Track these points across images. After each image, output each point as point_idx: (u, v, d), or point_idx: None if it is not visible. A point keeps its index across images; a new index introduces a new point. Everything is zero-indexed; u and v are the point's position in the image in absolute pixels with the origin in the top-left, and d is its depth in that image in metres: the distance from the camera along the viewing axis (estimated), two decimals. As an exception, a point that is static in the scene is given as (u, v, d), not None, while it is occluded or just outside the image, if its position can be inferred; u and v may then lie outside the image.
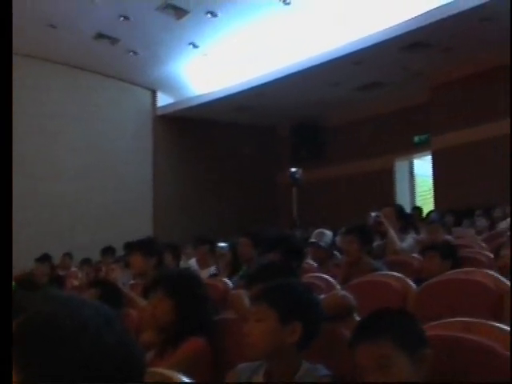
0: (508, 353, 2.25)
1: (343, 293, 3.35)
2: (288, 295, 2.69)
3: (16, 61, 14.59)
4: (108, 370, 1.21)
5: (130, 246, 8.09)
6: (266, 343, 2.57)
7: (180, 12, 13.38)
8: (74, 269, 11.04)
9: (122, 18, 13.60)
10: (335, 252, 7.00)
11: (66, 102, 15.52)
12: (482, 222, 10.31)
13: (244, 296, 3.54)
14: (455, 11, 11.42)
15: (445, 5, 11.54)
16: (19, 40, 11.86)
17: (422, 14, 11.86)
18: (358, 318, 3.03)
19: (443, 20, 11.61)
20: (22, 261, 12.30)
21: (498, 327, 2.47)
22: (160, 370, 1.45)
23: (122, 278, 5.71)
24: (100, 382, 1.20)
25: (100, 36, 14.46)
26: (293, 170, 8.08)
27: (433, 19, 11.73)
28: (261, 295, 2.73)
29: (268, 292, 2.71)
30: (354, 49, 13.03)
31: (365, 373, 2.19)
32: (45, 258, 12.17)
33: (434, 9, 11.67)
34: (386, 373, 2.14)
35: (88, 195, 15.69)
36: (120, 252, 11.16)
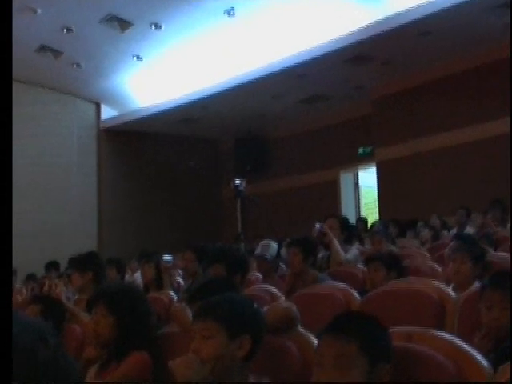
0: (450, 361, 2.26)
1: (286, 304, 3.35)
2: (234, 309, 2.66)
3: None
4: None
5: (73, 262, 8.02)
6: (216, 360, 2.53)
7: (124, 24, 13.28)
8: (17, 285, 10.85)
9: (65, 30, 13.43)
10: (280, 264, 7.01)
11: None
12: (425, 233, 10.41)
13: (186, 309, 3.52)
14: (395, 25, 11.55)
15: (385, 18, 11.66)
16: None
17: (363, 28, 11.97)
18: (301, 330, 3.02)
19: (383, 33, 11.73)
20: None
21: (441, 336, 2.49)
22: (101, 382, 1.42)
23: (65, 292, 5.65)
24: None
25: (43, 48, 14.28)
26: (237, 181, 8.09)
27: (373, 32, 11.83)
28: (205, 311, 2.69)
29: (213, 307, 2.68)
30: (297, 61, 13.07)
31: (319, 369, 2.17)
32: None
33: (376, 22, 11.78)
34: (343, 374, 2.11)
35: (31, 213, 15.44)
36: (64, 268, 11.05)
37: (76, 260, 6.13)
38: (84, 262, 5.97)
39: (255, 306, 2.79)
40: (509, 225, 9.05)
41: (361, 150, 16.32)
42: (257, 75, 13.85)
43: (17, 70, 14.97)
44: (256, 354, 2.66)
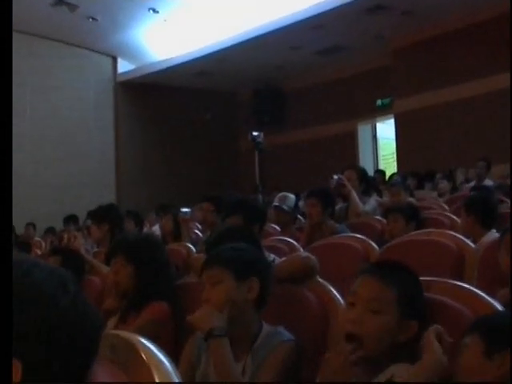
0: (469, 311, 2.25)
1: (306, 254, 3.34)
2: (239, 253, 2.68)
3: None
4: (63, 331, 1.19)
5: (92, 215, 8.06)
6: (225, 304, 2.54)
7: (139, -24, 13.21)
8: (37, 238, 10.95)
9: (80, -17, 13.37)
10: (298, 216, 7.01)
11: (24, 71, 15.28)
12: (444, 185, 10.36)
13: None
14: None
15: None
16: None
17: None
18: (320, 280, 3.02)
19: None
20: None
21: (460, 286, 2.48)
22: (120, 332, 1.42)
23: (84, 245, 5.69)
24: (55, 343, 1.19)
25: (58, 2, 14.19)
26: (254, 134, 8.02)
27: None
28: (212, 259, 2.71)
29: (219, 254, 2.70)
30: (316, 12, 12.94)
31: (351, 308, 2.16)
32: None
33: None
34: (373, 317, 2.10)
35: (49, 165, 15.53)
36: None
37: (94, 213, 6.16)
38: (102, 215, 6.00)
39: (263, 252, 2.80)
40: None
41: (379, 102, 16.24)
42: (274, 26, 13.72)
43: (33, 24, 14.98)
44: (267, 301, 2.67)
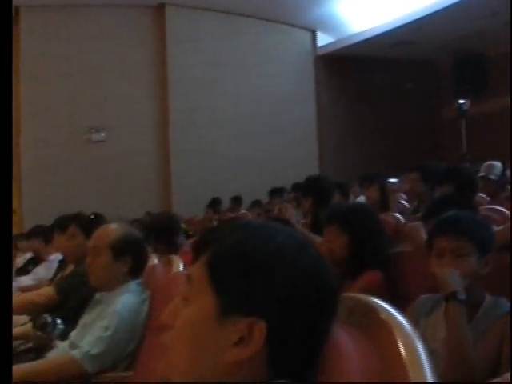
0: None
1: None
2: (482, 228, 2.68)
3: (172, 12, 14.97)
4: (304, 292, 1.22)
5: (298, 187, 8.17)
6: (469, 277, 2.55)
7: None
8: (243, 211, 11.23)
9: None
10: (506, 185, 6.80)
11: (225, 49, 15.67)
12: None
13: (420, 228, 3.50)
14: None
15: None
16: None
17: None
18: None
19: None
20: (194, 206, 12.77)
21: None
22: (357, 294, 1.44)
23: (295, 216, 5.78)
24: (296, 305, 1.22)
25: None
26: (460, 101, 7.77)
27: None
28: (453, 227, 2.66)
29: (462, 226, 2.65)
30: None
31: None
32: (214, 203, 12.52)
33: None
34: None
35: (253, 140, 15.85)
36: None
37: (300, 185, 6.19)
38: (307, 187, 6.04)
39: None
40: None
41: None
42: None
43: (233, 3, 15.33)
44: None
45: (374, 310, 1.29)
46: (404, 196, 7.55)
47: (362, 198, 8.28)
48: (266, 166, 15.63)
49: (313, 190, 5.94)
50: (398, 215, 5.43)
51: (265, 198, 12.06)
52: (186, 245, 5.40)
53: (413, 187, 6.21)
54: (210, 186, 14.20)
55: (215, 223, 9.06)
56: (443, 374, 2.35)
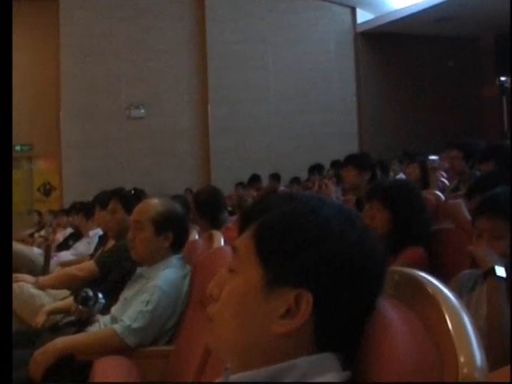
0: None
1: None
2: None
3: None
4: (350, 265, 1.22)
5: (338, 164, 8.13)
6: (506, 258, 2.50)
7: None
8: (282, 188, 11.23)
9: None
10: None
11: (265, 26, 15.68)
12: None
13: (462, 206, 3.47)
14: None
15: None
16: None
17: None
18: None
19: None
20: (233, 184, 12.80)
21: None
22: (403, 268, 1.44)
23: (335, 192, 5.75)
24: (342, 277, 1.22)
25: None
26: (502, 79, 7.65)
27: None
28: (493, 208, 2.61)
29: (501, 203, 2.61)
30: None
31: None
32: (253, 180, 12.54)
33: None
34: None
35: (291, 117, 15.87)
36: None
37: (352, 158, 6.04)
38: (363, 161, 5.81)
39: None
40: None
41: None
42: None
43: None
44: None
45: (420, 284, 1.28)
46: (444, 174, 7.50)
47: (401, 176, 8.24)
48: (305, 143, 15.60)
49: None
50: (438, 193, 5.39)
51: (304, 175, 12.05)
52: (229, 221, 5.37)
53: (453, 165, 6.14)
54: (250, 163, 14.24)
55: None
56: (486, 351, 2.32)
